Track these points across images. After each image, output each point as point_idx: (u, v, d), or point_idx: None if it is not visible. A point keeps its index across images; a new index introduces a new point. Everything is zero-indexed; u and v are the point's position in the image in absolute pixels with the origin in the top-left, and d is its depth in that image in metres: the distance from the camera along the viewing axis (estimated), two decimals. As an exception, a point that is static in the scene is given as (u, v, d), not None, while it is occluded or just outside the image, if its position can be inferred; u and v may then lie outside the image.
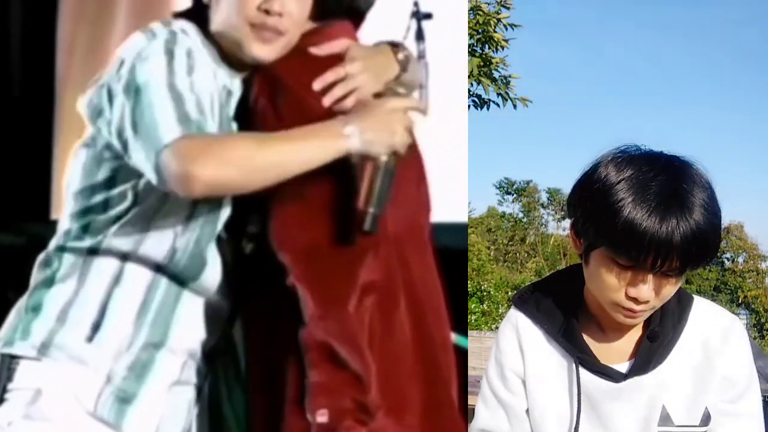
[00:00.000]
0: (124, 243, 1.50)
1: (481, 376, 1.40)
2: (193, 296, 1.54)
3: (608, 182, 1.10)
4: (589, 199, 1.14)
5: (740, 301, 34.28)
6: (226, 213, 1.51)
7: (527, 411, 1.29)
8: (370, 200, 1.39)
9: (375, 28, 1.79)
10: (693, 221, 1.05)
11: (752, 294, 34.82)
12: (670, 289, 1.14)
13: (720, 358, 1.21)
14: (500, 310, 15.34)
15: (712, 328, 1.24)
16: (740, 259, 37.30)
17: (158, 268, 1.50)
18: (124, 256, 1.50)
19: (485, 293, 15.87)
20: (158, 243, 1.49)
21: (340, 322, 1.40)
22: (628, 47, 66.08)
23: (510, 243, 33.21)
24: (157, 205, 1.48)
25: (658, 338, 1.21)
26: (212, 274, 1.54)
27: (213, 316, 1.57)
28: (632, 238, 1.05)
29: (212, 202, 1.48)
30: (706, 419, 1.19)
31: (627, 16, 63.51)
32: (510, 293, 16.53)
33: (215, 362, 1.62)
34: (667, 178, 1.09)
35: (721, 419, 1.20)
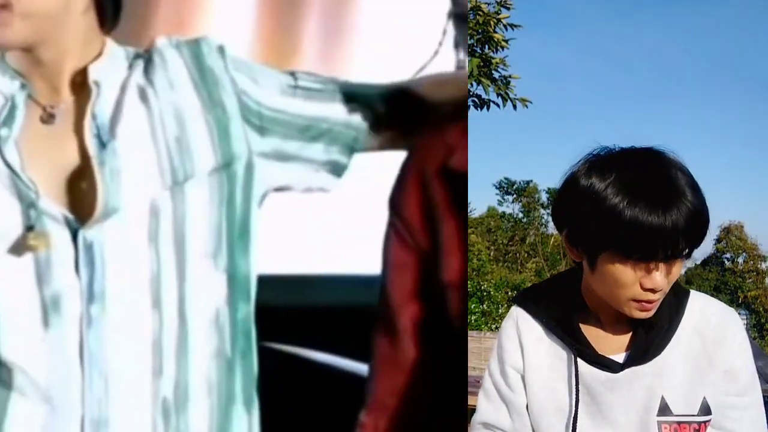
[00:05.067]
0: None
1: (481, 376, 1.40)
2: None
3: (595, 190, 1.11)
4: (580, 210, 1.14)
5: (740, 302, 34.27)
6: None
7: (527, 406, 1.30)
8: None
9: (406, 30, 1.74)
10: (690, 203, 1.08)
11: (752, 294, 34.81)
12: (677, 270, 1.16)
13: (719, 349, 1.22)
14: (500, 310, 15.33)
15: (709, 319, 1.25)
16: (740, 260, 37.29)
17: None
18: None
19: (485, 293, 15.86)
20: None
21: None
22: (628, 47, 66.23)
23: (510, 243, 33.23)
24: None
25: (653, 328, 1.22)
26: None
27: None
28: (641, 235, 1.07)
29: None
30: (705, 410, 1.20)
31: (628, 16, 63.63)
32: (510, 293, 16.55)
33: None
34: (650, 170, 1.11)
35: (728, 412, 1.21)
